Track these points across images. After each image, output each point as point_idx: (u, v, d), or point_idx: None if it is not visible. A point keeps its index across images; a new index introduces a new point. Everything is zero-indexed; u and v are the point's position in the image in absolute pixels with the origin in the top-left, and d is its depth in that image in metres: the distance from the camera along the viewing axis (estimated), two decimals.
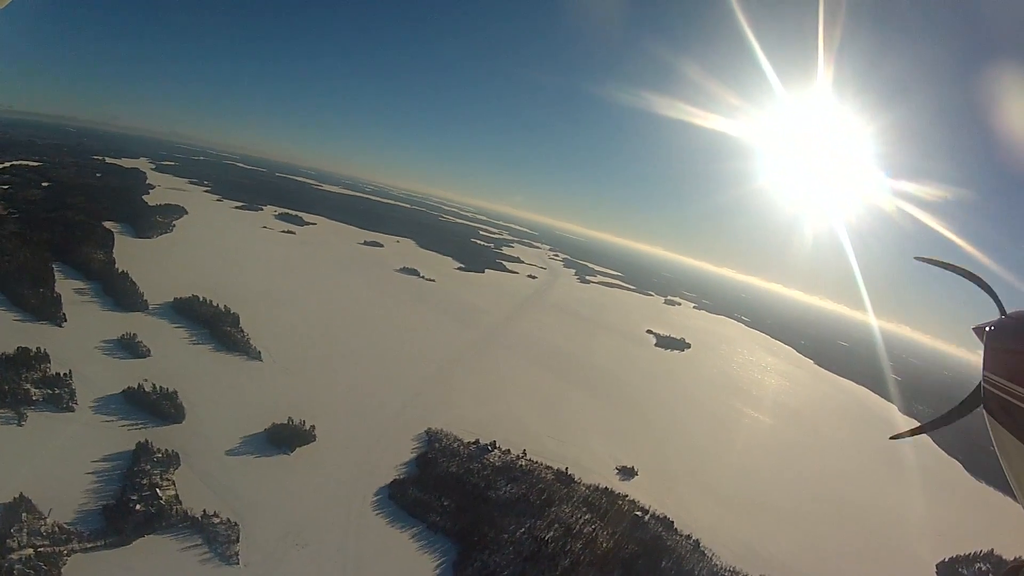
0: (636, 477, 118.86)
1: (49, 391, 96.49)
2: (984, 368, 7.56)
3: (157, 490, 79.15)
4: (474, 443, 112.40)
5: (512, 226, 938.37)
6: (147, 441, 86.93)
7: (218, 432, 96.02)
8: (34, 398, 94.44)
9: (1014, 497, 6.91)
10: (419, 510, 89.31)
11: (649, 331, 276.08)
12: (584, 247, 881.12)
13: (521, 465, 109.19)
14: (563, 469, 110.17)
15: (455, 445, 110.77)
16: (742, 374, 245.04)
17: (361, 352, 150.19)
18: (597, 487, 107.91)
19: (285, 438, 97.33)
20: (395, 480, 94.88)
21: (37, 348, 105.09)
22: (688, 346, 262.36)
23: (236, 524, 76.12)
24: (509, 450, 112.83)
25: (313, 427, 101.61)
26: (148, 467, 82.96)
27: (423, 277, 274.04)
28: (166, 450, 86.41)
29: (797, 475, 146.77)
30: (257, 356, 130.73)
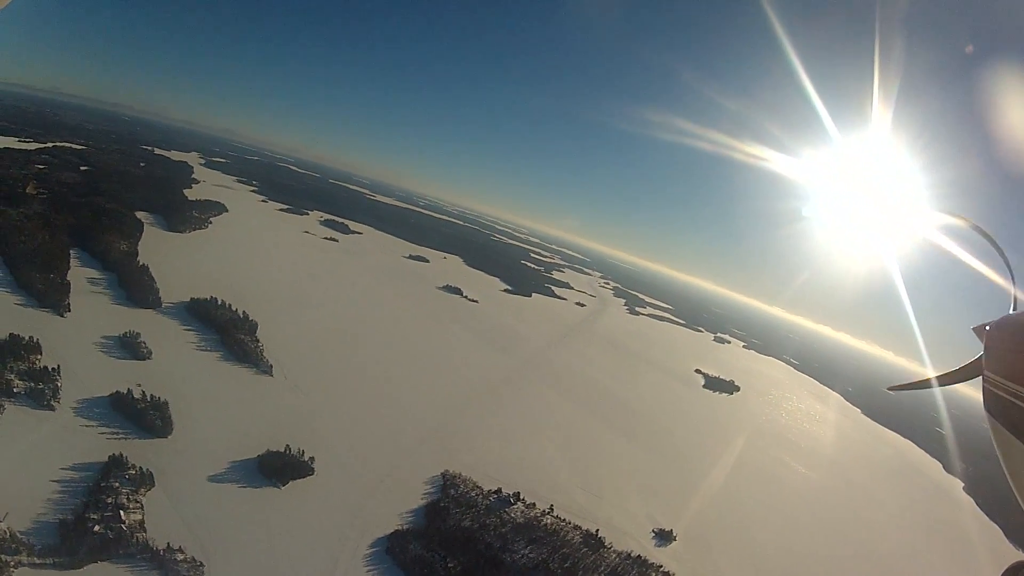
0: (673, 543, 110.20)
1: (33, 385, 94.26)
2: (984, 368, 7.89)
3: (121, 512, 74.35)
4: (495, 492, 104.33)
5: (564, 250, 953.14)
6: (122, 455, 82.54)
7: (204, 453, 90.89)
8: (15, 390, 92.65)
9: None
10: (418, 570, 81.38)
11: (698, 371, 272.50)
12: (636, 277, 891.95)
13: (546, 524, 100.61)
14: (593, 531, 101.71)
15: (473, 493, 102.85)
16: (791, 423, 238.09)
17: (384, 375, 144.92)
18: (629, 555, 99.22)
19: (278, 468, 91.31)
20: (397, 531, 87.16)
21: (30, 337, 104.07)
22: (737, 389, 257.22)
23: (202, 565, 70.15)
24: (534, 504, 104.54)
25: (312, 459, 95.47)
26: (117, 484, 78.33)
27: (466, 297, 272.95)
28: (141, 468, 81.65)
29: (842, 543, 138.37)
30: (267, 370, 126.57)
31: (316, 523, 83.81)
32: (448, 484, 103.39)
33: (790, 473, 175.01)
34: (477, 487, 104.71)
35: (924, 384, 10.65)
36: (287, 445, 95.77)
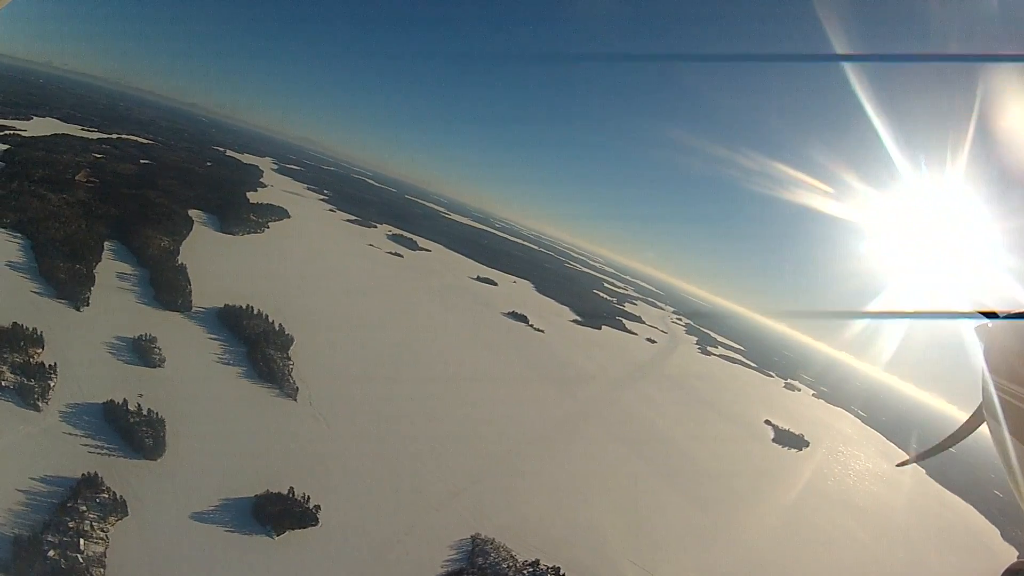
0: None
1: (24, 380, 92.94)
2: (984, 369, 8.76)
3: (82, 540, 70.13)
4: (531, 565, 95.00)
5: (638, 282, 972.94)
6: (97, 474, 78.42)
7: (194, 485, 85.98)
8: (4, 383, 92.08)
9: None
10: None
11: (767, 422, 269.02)
12: (708, 314, 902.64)
13: None
14: None
15: (505, 565, 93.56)
16: (859, 485, 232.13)
17: (424, 410, 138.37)
18: None
19: (275, 514, 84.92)
20: None
21: (34, 328, 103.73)
22: (806, 444, 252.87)
23: None
24: None
25: (318, 507, 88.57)
26: (84, 508, 73.92)
27: (532, 326, 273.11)
28: (115, 493, 77.05)
29: None
30: (292, 393, 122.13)
31: None
32: (477, 551, 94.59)
33: (855, 545, 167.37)
34: (511, 557, 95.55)
35: (933, 451, 13.28)
36: (291, 487, 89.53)
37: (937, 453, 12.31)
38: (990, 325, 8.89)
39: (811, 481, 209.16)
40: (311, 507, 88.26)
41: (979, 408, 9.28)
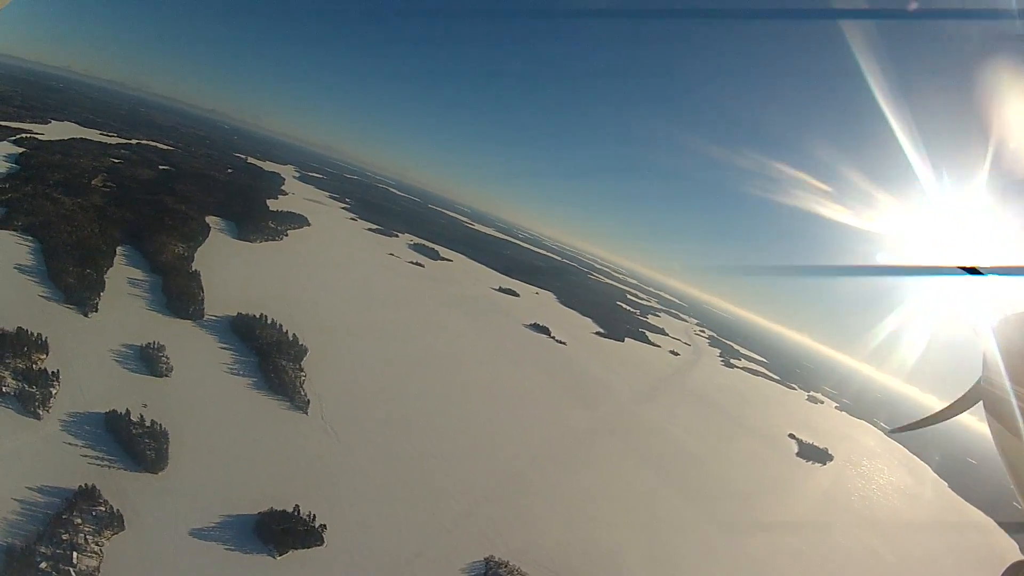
0: None
1: (25, 387, 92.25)
2: (984, 368, 9.09)
3: (75, 553, 69.02)
4: None
5: (661, 294, 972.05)
6: (94, 487, 76.96)
7: (195, 500, 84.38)
8: (4, 390, 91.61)
9: None
10: None
11: (791, 435, 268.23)
12: (732, 326, 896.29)
13: None
14: None
15: None
16: (882, 500, 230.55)
17: (439, 426, 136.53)
18: None
19: (278, 533, 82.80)
20: None
21: (38, 334, 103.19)
22: (830, 458, 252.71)
23: None
24: None
25: (324, 526, 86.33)
26: (80, 520, 72.49)
27: (553, 338, 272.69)
28: (112, 507, 75.61)
29: None
30: (303, 406, 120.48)
31: None
32: (490, 574, 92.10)
33: (880, 565, 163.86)
34: None
35: (928, 421, 14.17)
36: (296, 505, 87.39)
37: (933, 423, 12.98)
38: (996, 325, 9.01)
39: (835, 497, 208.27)
40: (316, 526, 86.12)
41: (971, 390, 9.73)
